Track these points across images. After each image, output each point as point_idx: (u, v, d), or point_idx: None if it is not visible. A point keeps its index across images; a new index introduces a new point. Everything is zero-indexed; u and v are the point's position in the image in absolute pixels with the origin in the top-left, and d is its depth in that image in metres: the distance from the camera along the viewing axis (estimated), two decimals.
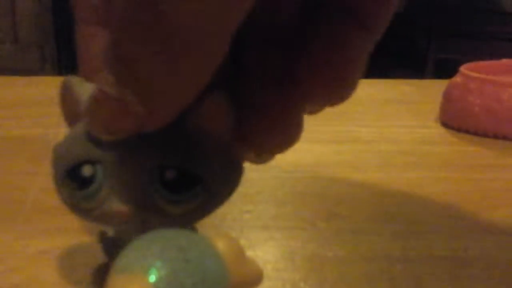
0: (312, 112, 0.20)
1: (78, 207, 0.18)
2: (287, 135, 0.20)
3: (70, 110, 0.19)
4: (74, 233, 0.27)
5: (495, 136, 0.43)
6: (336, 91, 0.19)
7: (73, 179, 0.18)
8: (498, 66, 0.50)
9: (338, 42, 0.18)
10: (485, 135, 0.44)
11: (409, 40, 2.45)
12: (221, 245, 0.17)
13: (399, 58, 2.29)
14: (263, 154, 0.20)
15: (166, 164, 0.17)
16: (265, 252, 0.26)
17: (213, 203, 0.19)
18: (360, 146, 0.42)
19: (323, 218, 0.29)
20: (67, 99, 0.19)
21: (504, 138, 0.43)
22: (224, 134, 0.18)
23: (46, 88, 0.57)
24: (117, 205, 0.17)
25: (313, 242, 0.27)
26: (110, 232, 0.21)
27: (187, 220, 0.18)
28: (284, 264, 0.25)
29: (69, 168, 0.18)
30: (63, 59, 1.98)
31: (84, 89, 0.18)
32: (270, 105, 0.19)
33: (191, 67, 0.15)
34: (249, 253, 0.24)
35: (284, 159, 0.30)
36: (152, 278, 0.15)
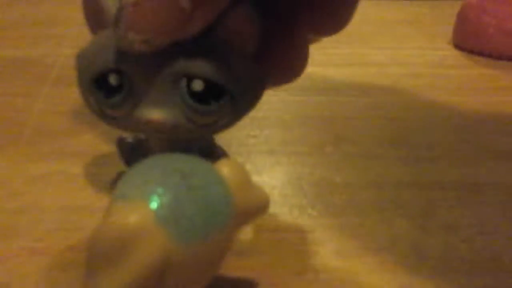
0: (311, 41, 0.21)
1: (106, 115, 0.18)
2: (294, 61, 0.20)
3: (94, 17, 0.18)
4: (75, 157, 0.26)
5: (510, 59, 0.42)
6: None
7: (99, 87, 0.18)
8: None
9: None
10: (499, 57, 0.42)
11: None
12: (226, 170, 0.16)
13: None
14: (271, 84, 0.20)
15: (193, 74, 0.17)
16: (271, 177, 0.25)
17: (237, 114, 0.19)
18: (370, 69, 0.40)
19: (331, 142, 0.29)
20: (90, 6, 0.18)
21: None
22: (250, 47, 0.18)
23: (47, 8, 0.55)
24: (148, 113, 0.17)
25: (321, 167, 0.26)
26: (129, 138, 0.22)
27: (213, 130, 0.19)
28: (291, 190, 0.24)
29: (95, 77, 0.17)
30: None
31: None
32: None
33: None
34: (255, 178, 0.23)
35: (292, 83, 0.29)
36: (153, 205, 0.14)
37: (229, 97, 0.18)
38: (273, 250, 0.20)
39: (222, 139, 0.28)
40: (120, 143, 0.22)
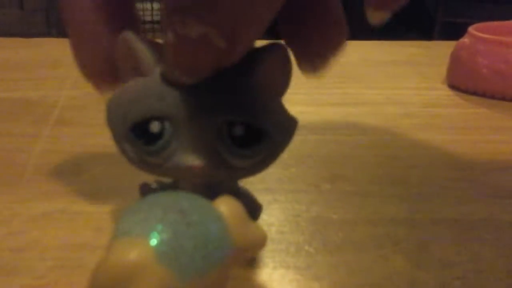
0: (316, 67, 0.21)
1: (144, 162, 0.18)
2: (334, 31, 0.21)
3: (128, 65, 0.19)
4: (76, 196, 0.27)
5: (503, 98, 0.43)
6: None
7: (139, 135, 0.18)
8: (507, 27, 0.49)
9: None
10: (492, 97, 0.43)
11: (418, 3, 2.42)
12: (224, 208, 0.17)
13: (407, 21, 2.27)
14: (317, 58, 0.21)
15: (234, 120, 0.17)
16: (269, 215, 0.26)
17: (275, 154, 0.19)
18: (367, 108, 0.41)
19: (328, 180, 0.29)
20: (124, 53, 0.19)
21: None
22: (284, 88, 0.19)
23: (50, 50, 0.56)
24: (188, 160, 0.18)
25: (318, 204, 0.27)
26: (154, 184, 0.21)
27: (252, 173, 0.19)
28: (289, 227, 0.25)
29: (135, 125, 0.18)
30: None
31: (141, 46, 0.18)
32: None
33: None
34: None
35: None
36: (154, 241, 0.15)
37: (268, 139, 0.18)
38: (271, 287, 0.21)
39: None
40: (144, 189, 0.22)
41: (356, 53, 0.58)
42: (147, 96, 0.18)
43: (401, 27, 2.09)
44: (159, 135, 0.17)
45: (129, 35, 0.18)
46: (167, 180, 0.21)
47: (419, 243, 0.23)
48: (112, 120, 0.19)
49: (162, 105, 0.17)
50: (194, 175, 0.18)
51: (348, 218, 0.25)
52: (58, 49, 0.55)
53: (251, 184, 0.28)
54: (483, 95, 0.44)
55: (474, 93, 0.44)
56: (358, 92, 0.45)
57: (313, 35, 0.20)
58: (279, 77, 0.19)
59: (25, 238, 0.23)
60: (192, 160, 0.18)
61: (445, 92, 0.46)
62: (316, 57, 0.21)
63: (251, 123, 0.18)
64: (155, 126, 0.17)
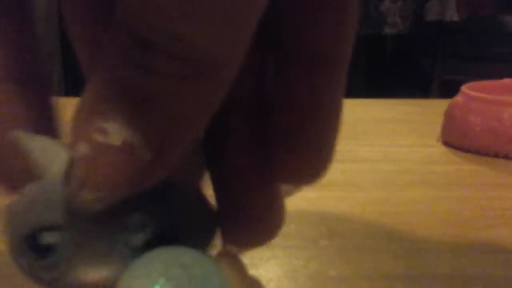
0: (289, 192, 0.19)
1: (38, 278, 0.16)
2: (268, 222, 0.19)
3: (20, 169, 0.16)
4: None
5: (496, 155, 0.44)
6: (311, 159, 0.18)
7: (30, 248, 0.15)
8: (500, 86, 0.51)
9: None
10: (486, 154, 0.44)
11: (414, 61, 2.46)
12: (224, 263, 0.17)
13: (404, 79, 2.30)
14: (245, 246, 0.19)
15: (135, 227, 0.16)
16: (267, 270, 0.26)
17: None
18: (363, 165, 0.42)
19: (326, 236, 0.30)
20: (14, 157, 0.16)
21: (505, 157, 0.43)
22: (196, 189, 0.18)
23: None
24: (85, 273, 0.16)
25: (316, 260, 0.27)
26: None
27: None
28: (287, 283, 0.25)
29: (26, 236, 0.15)
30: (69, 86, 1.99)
31: (36, 145, 0.16)
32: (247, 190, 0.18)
33: (210, 96, 0.14)
34: (252, 271, 0.24)
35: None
36: None
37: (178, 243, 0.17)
38: None
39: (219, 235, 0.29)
40: None
41: (354, 112, 0.59)
42: (38, 203, 0.15)
43: (399, 85, 2.12)
44: (52, 247, 0.15)
45: (18, 136, 0.16)
46: None
47: None
48: (8, 231, 0.16)
49: (55, 213, 0.15)
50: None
51: (346, 274, 0.26)
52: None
53: None
54: (476, 152, 0.45)
55: (468, 151, 0.45)
56: (354, 149, 0.46)
57: (247, 226, 0.18)
58: (192, 177, 0.17)
59: None
60: (89, 274, 0.16)
61: (440, 150, 0.46)
62: (246, 245, 0.19)
63: (156, 230, 0.16)
64: (47, 238, 0.15)
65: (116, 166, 0.14)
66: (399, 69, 2.40)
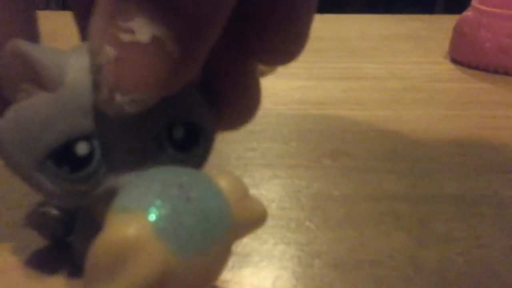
0: (264, 73, 0.19)
1: (68, 193, 0.15)
2: (245, 100, 0.18)
3: (20, 80, 0.15)
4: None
5: (506, 73, 0.42)
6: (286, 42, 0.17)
7: (60, 162, 0.15)
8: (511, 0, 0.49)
9: None
10: (496, 71, 0.43)
11: None
12: (224, 183, 0.16)
13: None
14: (230, 121, 0.19)
15: (174, 122, 0.16)
16: (269, 190, 0.25)
17: (210, 150, 0.18)
18: (367, 83, 0.41)
19: (329, 156, 0.29)
20: (15, 67, 0.15)
21: None
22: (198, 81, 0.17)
23: (48, 23, 0.55)
24: (125, 180, 0.15)
25: (318, 180, 0.26)
26: (54, 210, 0.19)
27: None
28: (289, 203, 0.24)
29: (54, 150, 0.15)
30: None
31: (41, 56, 0.15)
32: (226, 66, 0.18)
33: None
34: (253, 191, 0.24)
35: (290, 96, 0.29)
36: (152, 217, 0.14)
37: (204, 139, 0.17)
38: (271, 263, 0.20)
39: (220, 152, 0.28)
40: (42, 217, 0.19)
41: (356, 28, 0.57)
42: (65, 113, 0.15)
43: (403, 1, 2.07)
44: (87, 158, 0.15)
45: (22, 45, 0.15)
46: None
47: (421, 219, 0.23)
48: (10, 149, 0.15)
49: (88, 120, 0.15)
50: None
51: (349, 194, 0.25)
52: (57, 22, 0.55)
53: (251, 159, 0.28)
54: (485, 69, 0.43)
55: (477, 68, 0.44)
56: (359, 66, 0.44)
57: (227, 106, 0.18)
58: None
59: None
60: (127, 179, 0.16)
61: (448, 67, 0.45)
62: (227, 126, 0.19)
63: (190, 122, 0.16)
64: (82, 148, 0.15)
65: (147, 65, 0.13)
66: None
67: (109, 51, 0.13)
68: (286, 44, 0.17)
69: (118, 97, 0.14)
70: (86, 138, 0.15)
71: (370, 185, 0.26)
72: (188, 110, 0.16)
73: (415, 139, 0.31)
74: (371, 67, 0.44)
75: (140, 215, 0.14)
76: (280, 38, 0.17)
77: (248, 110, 0.19)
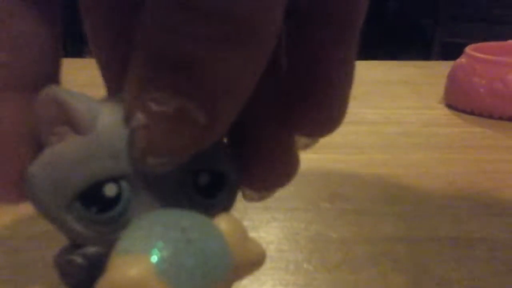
0: (308, 146, 0.20)
1: (95, 234, 0.16)
2: (284, 169, 0.19)
3: (53, 125, 0.16)
4: None
5: (500, 118, 0.43)
6: (326, 114, 0.19)
7: (88, 203, 0.15)
8: (504, 47, 0.50)
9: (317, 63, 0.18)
10: (490, 116, 0.44)
11: (416, 24, 2.43)
12: (224, 225, 0.17)
13: (405, 41, 2.28)
14: (262, 190, 0.20)
15: (199, 168, 0.16)
16: (268, 233, 0.26)
17: (234, 197, 0.18)
18: (364, 127, 0.41)
19: (327, 199, 0.29)
20: (50, 113, 0.16)
21: (509, 119, 0.43)
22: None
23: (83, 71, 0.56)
24: None
25: (317, 223, 0.27)
26: (79, 257, 0.17)
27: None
28: (288, 245, 0.25)
29: (81, 190, 0.15)
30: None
31: (73, 101, 0.15)
32: (265, 138, 0.18)
33: (256, 56, 0.14)
34: (252, 234, 0.24)
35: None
36: (154, 258, 0.15)
37: (228, 187, 0.17)
38: None
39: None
40: (67, 264, 0.18)
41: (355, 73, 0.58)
42: (95, 155, 0.15)
43: (399, 48, 2.10)
44: (115, 199, 0.15)
45: (58, 91, 0.16)
46: (91, 249, 0.17)
47: (417, 261, 0.24)
48: (41, 192, 0.16)
49: (117, 163, 0.15)
50: None
51: (346, 236, 0.26)
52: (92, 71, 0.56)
53: (250, 203, 0.29)
54: (480, 114, 0.44)
55: (471, 113, 0.44)
56: (356, 112, 0.45)
57: (264, 173, 0.19)
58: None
59: (26, 256, 0.23)
60: None
61: (443, 112, 0.46)
62: (263, 190, 0.20)
63: (214, 169, 0.17)
64: (111, 189, 0.15)
65: (174, 132, 0.14)
66: (400, 30, 2.37)
67: (140, 118, 0.14)
68: (329, 113, 0.18)
69: (150, 159, 0.15)
70: (114, 180, 0.15)
71: (367, 228, 0.26)
72: (213, 158, 0.17)
73: (412, 182, 0.32)
74: (368, 112, 0.45)
75: (142, 257, 0.15)
76: (323, 108, 0.18)
77: (287, 174, 0.19)
